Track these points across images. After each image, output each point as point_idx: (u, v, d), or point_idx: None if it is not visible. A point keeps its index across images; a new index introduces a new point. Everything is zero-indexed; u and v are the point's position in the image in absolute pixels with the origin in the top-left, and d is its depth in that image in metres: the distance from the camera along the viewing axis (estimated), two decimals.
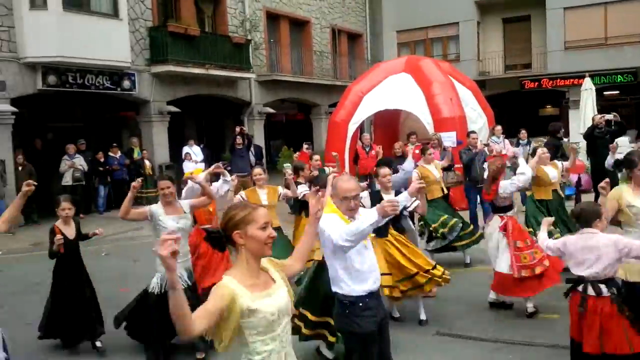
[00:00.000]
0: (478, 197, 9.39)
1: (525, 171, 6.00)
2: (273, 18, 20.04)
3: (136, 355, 5.19)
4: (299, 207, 6.84)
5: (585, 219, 3.86)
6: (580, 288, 3.81)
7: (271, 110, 19.60)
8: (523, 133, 12.68)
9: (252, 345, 2.31)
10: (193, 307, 2.14)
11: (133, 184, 5.07)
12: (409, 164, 7.28)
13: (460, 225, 7.42)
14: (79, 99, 15.26)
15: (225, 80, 17.23)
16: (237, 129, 13.31)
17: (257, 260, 2.42)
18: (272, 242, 2.40)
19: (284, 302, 2.41)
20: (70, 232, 5.26)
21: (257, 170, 6.56)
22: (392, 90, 12.98)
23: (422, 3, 23.68)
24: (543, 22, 22.35)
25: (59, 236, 5.00)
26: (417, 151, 11.52)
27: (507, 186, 5.90)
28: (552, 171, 6.90)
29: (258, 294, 2.32)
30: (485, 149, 8.95)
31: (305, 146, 12.23)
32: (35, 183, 3.93)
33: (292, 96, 20.67)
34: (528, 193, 7.32)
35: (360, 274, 3.41)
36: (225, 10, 17.83)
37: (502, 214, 5.95)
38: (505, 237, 5.80)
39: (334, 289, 3.50)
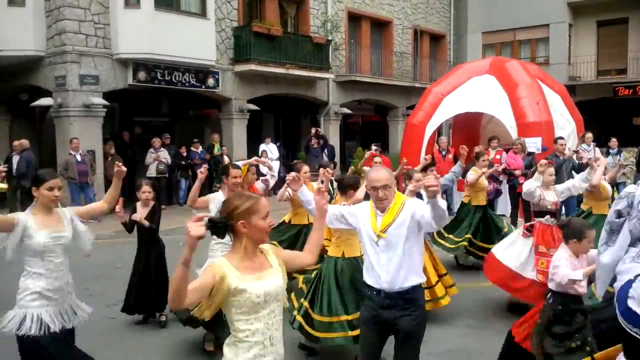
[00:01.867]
0: (564, 207, 8.92)
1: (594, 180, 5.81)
2: (355, 18, 20.01)
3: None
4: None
5: (565, 233, 3.99)
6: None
7: (347, 111, 19.57)
8: (613, 141, 11.91)
9: (236, 323, 2.45)
10: None
11: (199, 170, 5.19)
12: (457, 167, 7.09)
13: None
14: (165, 95, 15.95)
15: (304, 80, 17.39)
16: (313, 130, 13.39)
17: (256, 246, 2.55)
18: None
19: (275, 287, 2.51)
20: (142, 213, 5.64)
21: (304, 167, 6.42)
22: (474, 92, 12.52)
23: (511, 3, 22.81)
24: None
25: (117, 207, 5.17)
26: (497, 157, 11.14)
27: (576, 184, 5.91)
28: (609, 186, 6.56)
29: (248, 275, 2.45)
30: (574, 156, 8.45)
31: (374, 147, 12.07)
32: (124, 168, 4.13)
33: (370, 97, 20.54)
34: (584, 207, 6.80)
35: (369, 268, 3.48)
36: (308, 10, 18.00)
37: (539, 219, 5.72)
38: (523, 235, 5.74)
39: None
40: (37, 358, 3.47)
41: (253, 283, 2.43)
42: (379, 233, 3.38)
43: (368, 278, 3.47)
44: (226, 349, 2.50)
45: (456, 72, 14.00)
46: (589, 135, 11.00)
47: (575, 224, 3.99)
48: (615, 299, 2.07)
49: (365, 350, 3.56)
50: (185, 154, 14.56)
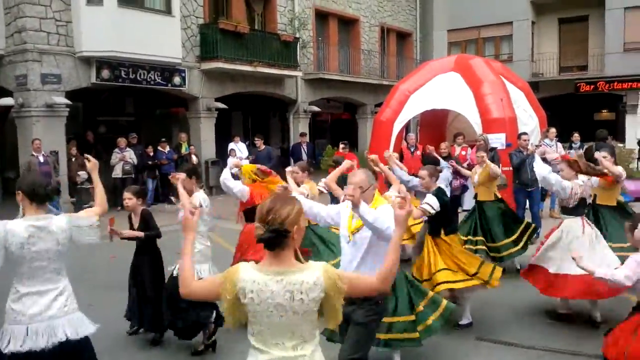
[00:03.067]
0: (527, 201, 9.10)
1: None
2: (322, 16, 20.04)
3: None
4: None
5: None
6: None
7: (317, 109, 19.60)
8: (576, 136, 12.20)
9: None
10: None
11: (173, 175, 5.11)
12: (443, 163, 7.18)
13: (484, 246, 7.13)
14: (131, 93, 15.70)
15: (272, 78, 17.34)
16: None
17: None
18: None
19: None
20: (135, 221, 5.30)
21: (294, 168, 6.38)
22: (440, 89, 12.68)
23: (475, 2, 23.15)
24: (601, 23, 21.49)
25: (109, 227, 4.91)
26: (463, 153, 11.31)
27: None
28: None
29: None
30: (537, 151, 8.64)
31: (341, 146, 12.13)
32: (93, 159, 4.03)
33: (339, 95, 20.60)
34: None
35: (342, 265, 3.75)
36: (275, 8, 17.95)
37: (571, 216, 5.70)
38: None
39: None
40: None
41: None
42: (349, 234, 3.67)
43: None
44: (319, 354, 2.39)
45: (422, 70, 14.14)
46: (553, 130, 11.26)
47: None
48: None
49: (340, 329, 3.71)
50: (152, 154, 14.36)
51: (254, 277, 2.26)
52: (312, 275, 2.27)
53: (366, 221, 3.31)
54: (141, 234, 5.18)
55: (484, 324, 5.70)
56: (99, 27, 12.75)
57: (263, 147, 14.54)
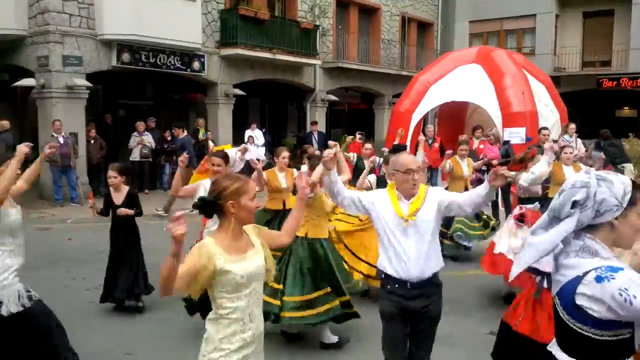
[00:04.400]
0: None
1: (535, 170, 5.79)
2: (343, 4, 19.88)
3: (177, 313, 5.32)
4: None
5: None
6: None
7: (334, 98, 19.52)
8: (572, 127, 12.03)
9: (219, 301, 2.53)
10: None
11: (180, 158, 5.10)
12: (419, 156, 7.13)
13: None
14: (150, 77, 15.76)
15: (290, 65, 17.28)
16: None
17: (241, 227, 2.61)
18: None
19: (256, 267, 2.59)
20: (118, 198, 5.60)
21: (284, 153, 6.41)
22: (460, 81, 12.57)
23: None
24: (627, 18, 21.04)
25: (90, 201, 5.46)
26: (481, 146, 11.20)
27: (524, 178, 5.84)
28: (571, 172, 6.54)
29: (233, 257, 2.52)
30: (555, 146, 8.54)
31: (358, 136, 12.06)
32: (48, 150, 4.21)
33: (357, 84, 20.48)
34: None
35: (392, 259, 3.34)
36: None
37: (522, 205, 5.91)
38: (516, 226, 5.78)
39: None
40: (37, 333, 3.54)
41: (237, 264, 2.51)
42: (408, 217, 3.29)
43: (390, 270, 3.35)
44: (208, 325, 2.57)
45: (443, 61, 14.03)
46: (573, 126, 11.10)
47: None
48: (556, 292, 2.05)
49: (394, 345, 3.45)
50: (169, 139, 14.44)
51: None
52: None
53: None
54: (131, 212, 5.54)
55: (496, 319, 5.65)
56: (120, 11, 12.79)
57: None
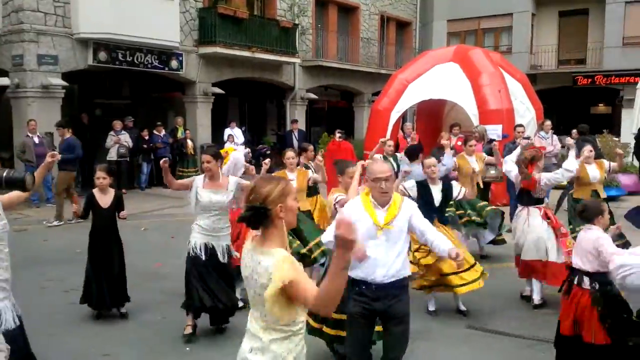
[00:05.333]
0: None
1: (572, 168, 5.82)
2: (322, 3, 19.91)
3: (154, 317, 5.30)
4: (314, 189, 6.96)
5: (587, 215, 4.07)
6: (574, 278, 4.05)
7: (314, 96, 19.55)
8: (575, 133, 12.22)
9: (295, 316, 2.31)
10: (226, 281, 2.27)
11: (161, 162, 5.09)
12: (448, 159, 7.16)
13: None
14: (127, 76, 15.60)
15: (270, 64, 17.25)
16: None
17: (289, 229, 2.43)
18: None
19: None
20: (105, 201, 5.38)
21: (290, 153, 6.52)
22: (438, 79, 12.70)
23: None
24: (601, 17, 21.44)
25: (74, 206, 5.11)
26: (459, 143, 11.32)
27: (551, 178, 5.79)
28: (594, 171, 6.62)
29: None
30: (525, 142, 8.71)
31: (337, 134, 12.10)
32: (51, 159, 4.02)
33: (336, 83, 20.54)
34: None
35: (361, 263, 3.33)
36: None
37: (539, 205, 5.87)
38: (549, 225, 5.73)
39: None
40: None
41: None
42: (383, 226, 3.42)
43: (357, 273, 3.45)
44: (276, 346, 2.28)
45: (421, 59, 14.14)
46: (548, 123, 11.27)
47: (592, 203, 4.25)
48: None
49: (358, 344, 3.58)
50: (147, 138, 14.32)
51: (246, 246, 2.41)
52: (268, 260, 2.23)
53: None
54: (125, 214, 5.45)
55: (476, 313, 5.75)
56: (96, 9, 12.64)
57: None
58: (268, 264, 2.22)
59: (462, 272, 5.22)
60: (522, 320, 5.56)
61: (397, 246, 3.47)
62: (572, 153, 6.00)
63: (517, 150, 6.31)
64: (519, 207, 6.02)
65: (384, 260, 3.43)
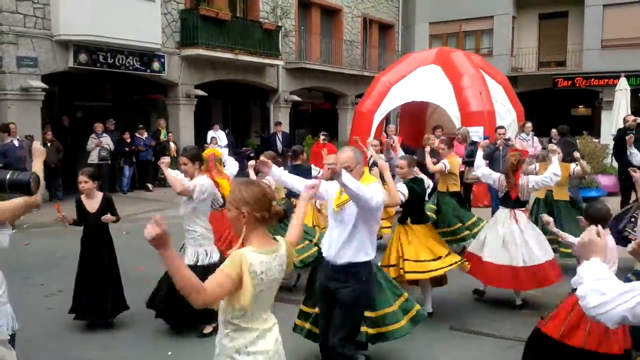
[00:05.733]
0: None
1: (558, 172, 5.87)
2: (304, 5, 19.93)
3: (142, 327, 5.26)
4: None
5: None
6: None
7: (297, 99, 19.56)
8: (554, 132, 12.38)
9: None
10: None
11: (161, 161, 5.15)
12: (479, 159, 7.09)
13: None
14: (108, 78, 15.47)
15: (253, 66, 17.23)
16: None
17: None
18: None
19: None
20: (92, 205, 5.23)
21: (268, 155, 6.48)
22: (420, 81, 12.79)
23: None
24: (581, 19, 21.78)
25: (58, 214, 4.91)
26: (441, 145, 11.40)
27: (539, 181, 5.84)
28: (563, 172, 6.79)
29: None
30: (484, 143, 8.79)
31: (321, 137, 12.13)
32: (37, 145, 3.87)
33: (320, 85, 20.57)
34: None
35: (326, 239, 3.82)
36: None
37: (523, 209, 5.90)
38: (520, 229, 5.74)
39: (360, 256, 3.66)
40: None
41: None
42: (334, 207, 3.69)
43: (324, 249, 3.79)
44: (227, 340, 2.44)
45: (404, 62, 14.24)
46: (529, 125, 11.42)
47: (600, 208, 4.13)
48: None
49: (321, 316, 3.83)
50: (129, 140, 14.20)
51: (260, 259, 2.38)
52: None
53: (348, 188, 3.26)
54: (113, 218, 5.24)
55: (458, 314, 5.80)
56: (77, 10, 12.51)
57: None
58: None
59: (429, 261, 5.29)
60: (503, 321, 5.61)
61: (346, 230, 3.62)
62: (555, 158, 6.07)
63: (480, 153, 6.38)
64: (501, 209, 6.02)
65: (335, 241, 3.66)
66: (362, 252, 3.66)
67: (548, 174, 5.84)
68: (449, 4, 23.44)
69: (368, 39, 22.91)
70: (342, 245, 3.62)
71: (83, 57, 12.94)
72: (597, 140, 14.59)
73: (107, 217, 5.22)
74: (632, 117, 11.13)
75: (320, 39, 20.44)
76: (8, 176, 2.27)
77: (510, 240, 5.71)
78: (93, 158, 13.29)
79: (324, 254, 3.78)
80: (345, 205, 3.61)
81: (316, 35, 20.25)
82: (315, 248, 5.76)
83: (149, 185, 14.51)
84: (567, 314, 3.58)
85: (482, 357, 4.85)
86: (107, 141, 13.45)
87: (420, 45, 23.46)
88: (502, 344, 5.06)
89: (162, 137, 14.86)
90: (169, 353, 4.81)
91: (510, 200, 5.89)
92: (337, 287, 3.66)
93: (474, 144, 9.88)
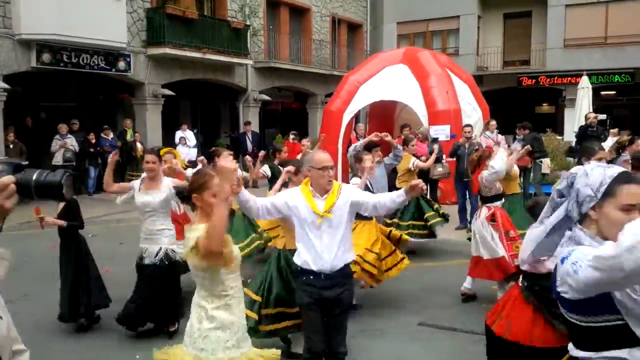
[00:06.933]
0: (467, 191, 9.41)
1: (495, 165, 5.95)
2: (273, 4, 19.88)
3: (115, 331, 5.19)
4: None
5: (536, 212, 3.93)
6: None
7: (267, 98, 19.50)
8: (519, 131, 12.64)
9: (227, 282, 2.84)
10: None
11: (110, 156, 5.09)
12: (399, 151, 7.27)
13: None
14: (73, 78, 15.15)
15: (222, 65, 17.11)
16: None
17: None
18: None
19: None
20: (58, 208, 5.20)
21: (225, 153, 6.46)
22: (388, 81, 12.89)
23: None
24: (544, 19, 22.25)
25: (35, 216, 4.83)
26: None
27: (487, 177, 5.94)
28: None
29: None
30: (467, 141, 8.98)
31: (291, 136, 12.16)
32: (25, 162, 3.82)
33: (289, 84, 20.55)
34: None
35: (309, 252, 3.57)
36: None
37: (489, 205, 5.98)
38: (493, 227, 5.81)
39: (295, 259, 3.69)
40: None
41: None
42: (323, 213, 3.50)
43: (307, 263, 3.56)
44: (221, 313, 2.79)
45: (372, 61, 14.33)
46: (493, 122, 11.63)
47: (541, 202, 4.11)
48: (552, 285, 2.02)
49: (314, 332, 3.66)
50: (94, 141, 13.94)
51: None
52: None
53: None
54: (63, 223, 5.11)
55: (427, 309, 5.88)
56: (39, 9, 12.23)
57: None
58: (190, 235, 2.77)
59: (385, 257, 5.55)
60: (470, 316, 5.69)
61: (339, 233, 3.55)
62: (501, 152, 6.24)
63: (435, 148, 6.53)
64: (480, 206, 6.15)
65: (329, 248, 3.52)
66: (350, 250, 3.70)
67: (489, 168, 5.99)
68: (416, 4, 23.67)
69: (337, 38, 22.98)
70: (337, 249, 3.53)
71: (46, 57, 12.66)
72: (560, 138, 14.94)
73: (51, 220, 5.05)
74: (593, 115, 11.49)
75: (290, 38, 20.41)
76: (35, 177, 1.80)
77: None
78: (57, 160, 13.02)
79: (309, 268, 3.55)
80: (333, 208, 3.53)
81: (285, 35, 20.22)
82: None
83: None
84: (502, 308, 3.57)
85: (451, 352, 4.93)
86: (71, 142, 13.20)
87: (389, 44, 23.64)
88: (470, 339, 5.15)
89: (129, 137, 14.64)
90: (137, 357, 4.75)
91: (481, 197, 6.08)
92: (339, 293, 3.58)
93: (435, 140, 10.05)
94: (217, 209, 2.63)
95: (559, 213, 2.06)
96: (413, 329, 5.39)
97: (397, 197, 3.56)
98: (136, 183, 5.07)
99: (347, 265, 3.65)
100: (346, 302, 3.69)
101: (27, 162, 3.97)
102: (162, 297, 4.97)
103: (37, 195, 1.81)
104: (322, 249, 3.52)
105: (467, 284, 6.13)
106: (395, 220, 7.62)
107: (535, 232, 2.19)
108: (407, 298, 6.13)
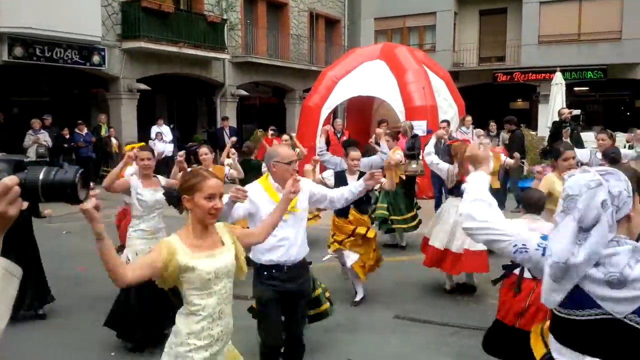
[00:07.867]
0: (443, 186, 9.50)
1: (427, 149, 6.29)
2: None
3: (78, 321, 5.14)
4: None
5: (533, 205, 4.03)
6: (517, 271, 3.82)
7: (244, 93, 19.41)
8: (492, 125, 12.83)
9: (189, 297, 2.56)
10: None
11: (128, 154, 4.87)
12: (385, 147, 7.33)
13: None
14: (46, 72, 14.89)
15: (198, 59, 16.97)
16: None
17: (202, 225, 2.61)
18: (217, 213, 2.60)
19: (226, 264, 2.60)
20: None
21: (203, 149, 6.36)
22: (366, 76, 12.95)
23: None
24: (519, 16, 22.53)
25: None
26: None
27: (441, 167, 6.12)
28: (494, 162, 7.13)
29: (199, 253, 2.54)
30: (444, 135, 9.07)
31: (270, 132, 12.12)
32: None
33: (267, 79, 20.48)
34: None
35: (272, 247, 3.54)
36: None
37: (453, 197, 6.12)
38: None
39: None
40: None
41: (203, 261, 2.53)
42: (291, 209, 3.47)
43: (270, 257, 3.59)
44: (178, 319, 2.60)
45: (349, 57, 14.37)
46: (469, 118, 11.76)
47: (532, 195, 4.09)
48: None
49: (273, 327, 3.68)
50: (68, 136, 13.72)
51: None
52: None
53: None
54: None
55: (403, 302, 5.94)
56: (12, 2, 11.99)
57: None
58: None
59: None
60: (446, 309, 5.77)
61: (301, 226, 3.71)
62: (432, 142, 6.45)
63: (432, 140, 6.59)
64: (451, 199, 6.17)
65: (294, 242, 3.63)
66: (306, 242, 3.81)
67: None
68: (393, 0, 23.76)
69: (315, 33, 22.95)
70: (300, 243, 3.67)
71: (18, 51, 12.42)
72: (534, 133, 15.18)
73: (48, 211, 5.17)
74: (567, 110, 11.69)
75: (267, 33, 20.33)
76: (42, 176, 1.46)
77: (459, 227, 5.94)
78: (30, 155, 12.76)
79: (273, 262, 3.59)
80: (298, 203, 3.60)
81: (263, 29, 20.12)
82: None
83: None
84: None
85: (427, 344, 4.98)
86: (45, 137, 12.96)
87: (366, 40, 23.68)
88: (446, 331, 5.22)
89: (103, 132, 14.45)
90: (112, 354, 4.71)
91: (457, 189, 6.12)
92: (299, 284, 3.70)
93: (415, 136, 10.12)
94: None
95: (604, 229, 1.82)
96: (389, 322, 5.44)
97: (355, 188, 3.79)
98: (134, 180, 4.84)
99: (304, 257, 3.79)
100: (306, 292, 3.86)
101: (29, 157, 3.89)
102: (161, 297, 4.80)
103: (45, 198, 1.49)
104: (290, 244, 3.60)
105: (447, 279, 6.24)
106: (393, 217, 7.78)
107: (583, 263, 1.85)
108: (382, 292, 6.17)
